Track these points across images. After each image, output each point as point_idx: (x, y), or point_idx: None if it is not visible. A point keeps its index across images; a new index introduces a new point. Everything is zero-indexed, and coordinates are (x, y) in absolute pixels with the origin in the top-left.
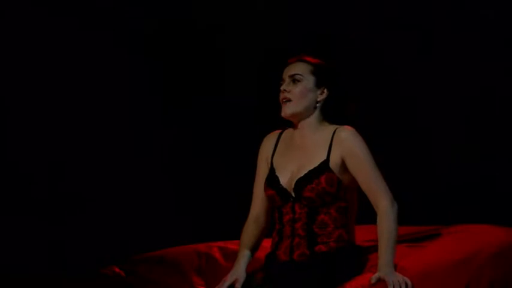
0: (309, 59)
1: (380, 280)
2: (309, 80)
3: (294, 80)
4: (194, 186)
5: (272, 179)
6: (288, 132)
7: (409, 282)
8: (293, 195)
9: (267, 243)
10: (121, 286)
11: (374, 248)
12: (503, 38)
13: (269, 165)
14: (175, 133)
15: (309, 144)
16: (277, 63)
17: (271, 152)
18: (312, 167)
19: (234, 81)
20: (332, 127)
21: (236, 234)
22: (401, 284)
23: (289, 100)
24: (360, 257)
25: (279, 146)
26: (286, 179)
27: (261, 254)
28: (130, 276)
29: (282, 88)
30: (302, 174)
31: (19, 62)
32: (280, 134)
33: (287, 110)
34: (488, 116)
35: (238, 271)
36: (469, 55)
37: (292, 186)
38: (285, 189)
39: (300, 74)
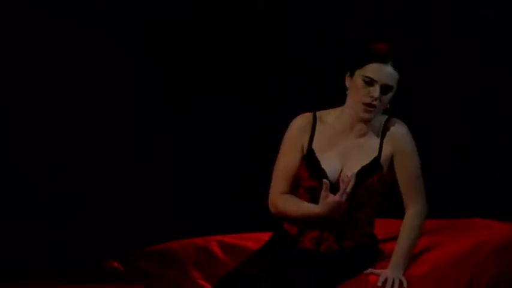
0: (397, 65)
1: (374, 273)
2: (394, 90)
3: (386, 89)
4: (194, 186)
5: (316, 170)
6: (326, 117)
7: (404, 282)
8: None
9: (264, 237)
10: (120, 280)
11: (387, 242)
12: (503, 38)
13: (304, 152)
14: (175, 133)
15: (357, 134)
16: (277, 63)
17: (307, 139)
18: (364, 163)
19: (234, 81)
20: (380, 116)
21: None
22: (394, 283)
23: (374, 107)
24: (380, 251)
25: (317, 131)
26: (333, 171)
27: (249, 244)
28: (129, 270)
29: (374, 95)
30: (355, 171)
31: (19, 62)
32: (315, 117)
33: (370, 116)
34: (488, 116)
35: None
36: (469, 55)
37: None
38: (332, 183)
39: (394, 86)
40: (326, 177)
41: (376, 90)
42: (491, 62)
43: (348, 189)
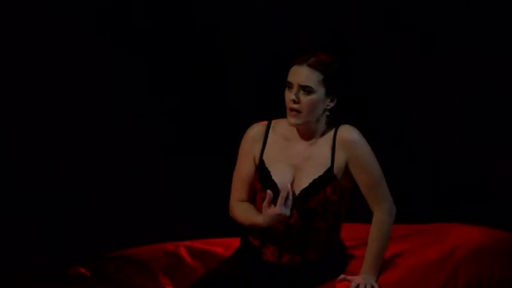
0: (319, 66)
1: (346, 279)
2: (320, 92)
3: (304, 90)
4: (194, 186)
5: (267, 183)
6: (279, 126)
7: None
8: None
9: (233, 242)
10: (87, 285)
11: (358, 247)
12: (504, 38)
13: (257, 163)
14: (174, 133)
15: (308, 145)
16: (277, 63)
17: (259, 149)
18: (316, 176)
19: (234, 82)
20: (332, 125)
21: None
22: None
23: (297, 111)
24: (347, 258)
25: (269, 142)
26: (283, 184)
27: (219, 249)
28: (96, 275)
29: (290, 98)
30: (307, 184)
31: (19, 62)
32: (268, 127)
33: (295, 121)
34: (489, 116)
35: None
36: (470, 55)
37: (296, 195)
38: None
39: (311, 86)
40: (276, 189)
41: (292, 92)
42: (492, 62)
43: (285, 201)
